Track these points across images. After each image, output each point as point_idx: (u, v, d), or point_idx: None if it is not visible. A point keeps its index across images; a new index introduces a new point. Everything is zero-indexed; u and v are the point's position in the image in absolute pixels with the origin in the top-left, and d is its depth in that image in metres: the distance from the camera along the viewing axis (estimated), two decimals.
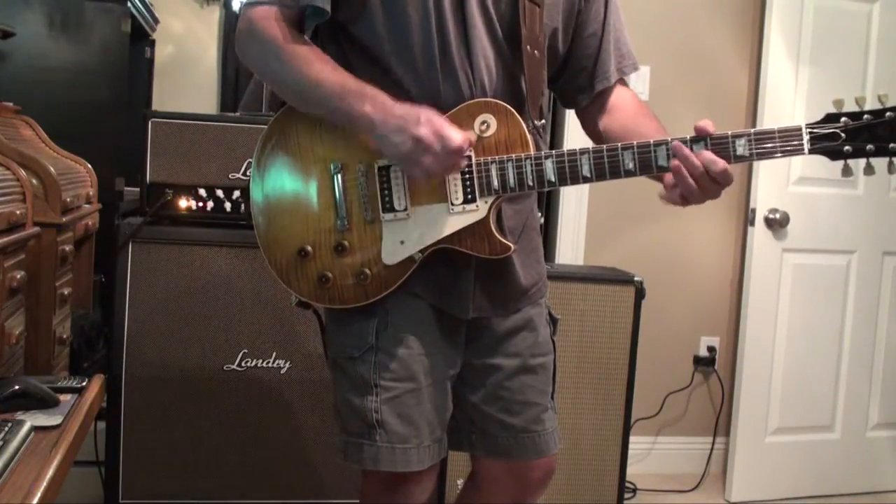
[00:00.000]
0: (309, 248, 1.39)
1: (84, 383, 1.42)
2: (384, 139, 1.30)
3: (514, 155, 1.34)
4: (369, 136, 1.32)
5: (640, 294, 2.52)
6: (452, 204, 1.35)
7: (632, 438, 2.62)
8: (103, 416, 2.13)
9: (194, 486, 2.26)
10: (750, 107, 3.18)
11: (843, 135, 1.28)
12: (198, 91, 4.05)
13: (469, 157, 1.34)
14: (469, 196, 1.35)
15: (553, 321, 1.58)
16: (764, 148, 1.28)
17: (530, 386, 1.52)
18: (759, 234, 2.97)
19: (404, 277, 1.38)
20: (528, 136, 1.35)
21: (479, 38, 1.38)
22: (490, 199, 1.35)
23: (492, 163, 1.34)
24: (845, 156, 1.29)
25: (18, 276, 1.71)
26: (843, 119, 1.29)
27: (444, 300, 1.43)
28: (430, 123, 1.27)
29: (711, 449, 3.24)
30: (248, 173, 2.26)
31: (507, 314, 1.49)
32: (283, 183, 1.41)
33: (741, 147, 1.29)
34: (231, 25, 4.07)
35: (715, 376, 3.25)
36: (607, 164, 1.32)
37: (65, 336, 2.15)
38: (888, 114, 1.27)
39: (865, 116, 1.28)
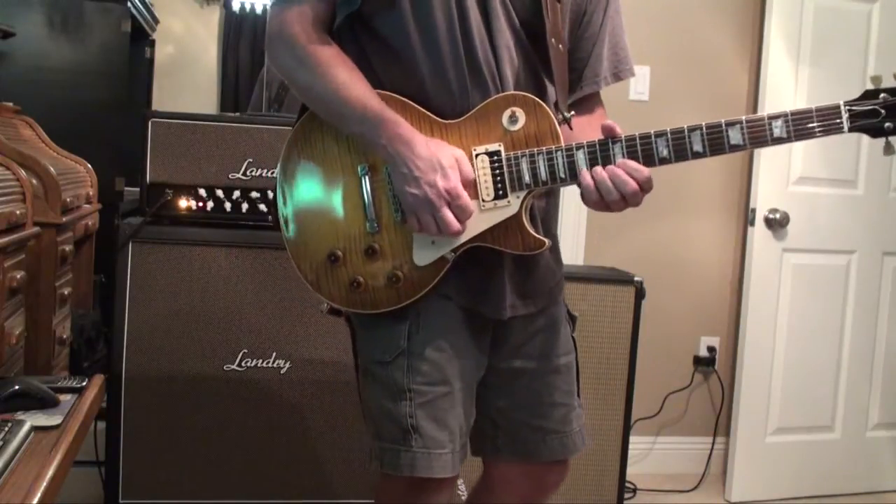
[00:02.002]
0: (339, 253, 1.37)
1: (84, 383, 1.42)
2: (396, 177, 1.31)
3: (544, 147, 1.32)
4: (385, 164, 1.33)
5: (640, 294, 2.52)
6: (483, 201, 1.32)
7: (632, 438, 2.62)
8: (103, 416, 2.13)
9: (194, 486, 2.25)
10: (750, 107, 3.18)
11: (882, 111, 1.24)
12: (198, 91, 4.06)
13: (499, 153, 1.32)
14: (500, 192, 1.32)
15: (572, 319, 1.56)
16: (802, 129, 1.25)
17: (557, 387, 1.50)
18: (759, 234, 2.97)
19: (437, 278, 1.35)
20: (558, 128, 1.33)
21: (503, 32, 1.36)
22: (522, 194, 1.32)
23: (522, 156, 1.32)
24: (886, 133, 1.24)
25: (18, 276, 1.71)
26: (881, 95, 1.24)
27: (479, 302, 1.40)
28: (446, 186, 1.27)
29: (711, 449, 3.24)
30: (248, 173, 2.26)
31: (535, 312, 1.47)
32: (309, 188, 1.39)
33: (778, 129, 1.25)
34: (231, 25, 4.08)
35: (715, 376, 3.25)
36: (641, 153, 1.29)
37: (65, 336, 2.16)
38: None
39: None
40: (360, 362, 1.45)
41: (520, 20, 1.38)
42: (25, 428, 1.14)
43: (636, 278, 2.53)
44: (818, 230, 3.03)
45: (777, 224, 2.95)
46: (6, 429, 1.12)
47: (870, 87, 1.25)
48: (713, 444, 3.24)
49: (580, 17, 1.48)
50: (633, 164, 1.28)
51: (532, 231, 1.34)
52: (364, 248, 1.36)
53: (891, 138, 1.25)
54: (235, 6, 4.08)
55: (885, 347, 3.15)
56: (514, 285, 1.42)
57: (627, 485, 2.79)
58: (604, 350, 2.51)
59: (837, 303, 3.09)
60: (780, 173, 2.97)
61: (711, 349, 3.24)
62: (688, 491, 3.09)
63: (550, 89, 1.41)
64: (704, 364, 3.24)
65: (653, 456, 3.22)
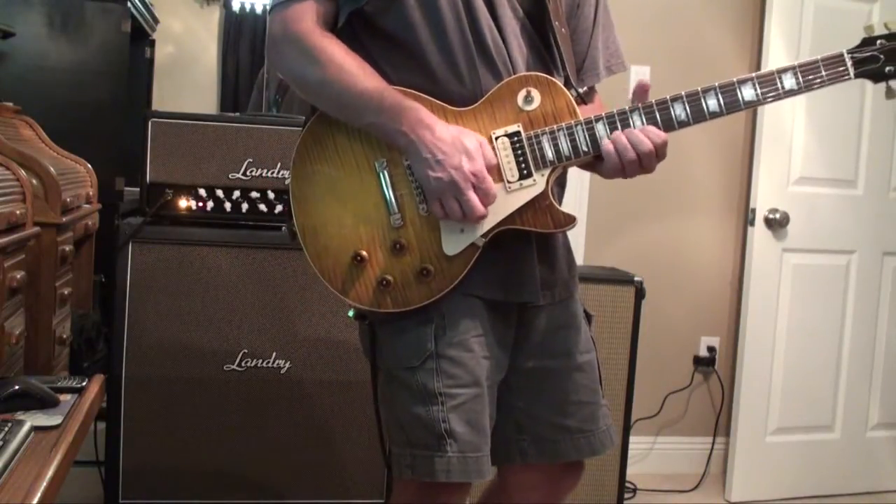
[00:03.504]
0: (364, 253, 1.33)
1: (84, 383, 1.42)
2: (417, 164, 1.29)
3: (564, 123, 1.33)
4: (405, 154, 1.31)
5: (640, 294, 2.52)
6: (508, 182, 1.32)
7: (632, 438, 2.62)
8: (103, 416, 2.13)
9: (194, 486, 2.26)
10: None
11: (882, 56, 1.30)
12: (198, 91, 4.06)
13: (519, 134, 1.33)
14: (524, 172, 1.32)
15: (588, 317, 1.55)
16: (811, 78, 1.31)
17: (582, 384, 1.49)
18: (759, 234, 2.97)
19: (468, 268, 1.33)
20: (575, 104, 1.34)
21: (508, 20, 1.37)
22: (546, 172, 1.33)
23: (542, 134, 1.33)
24: (887, 76, 1.31)
25: (18, 276, 1.71)
26: (879, 42, 1.31)
27: (511, 290, 1.39)
28: (472, 169, 1.26)
29: (711, 449, 3.23)
30: (248, 173, 2.26)
31: (555, 302, 1.46)
32: (325, 191, 1.36)
33: (789, 81, 1.32)
34: (231, 25, 4.08)
35: (715, 376, 3.25)
36: (660, 118, 1.31)
37: (65, 336, 2.15)
38: None
39: None
40: (383, 369, 1.41)
41: (523, 9, 1.39)
42: (25, 428, 1.14)
43: (636, 278, 2.53)
44: (818, 230, 3.03)
45: (777, 224, 2.95)
46: (6, 429, 1.12)
47: (865, 35, 1.32)
48: (713, 444, 3.24)
49: (574, 10, 1.49)
50: (653, 129, 1.31)
51: (560, 207, 1.35)
52: (390, 245, 1.34)
53: (891, 82, 1.32)
54: (235, 6, 4.08)
55: (885, 347, 3.15)
56: (541, 269, 1.42)
57: (627, 485, 2.79)
58: (604, 350, 2.50)
59: (837, 303, 3.09)
60: (780, 173, 2.97)
61: (711, 349, 3.24)
62: (688, 491, 3.09)
63: (557, 77, 1.41)
64: (704, 364, 3.23)
65: (653, 456, 3.22)
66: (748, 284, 3.01)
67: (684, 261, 3.21)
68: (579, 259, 3.10)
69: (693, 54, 3.15)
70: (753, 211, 2.97)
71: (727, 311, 3.26)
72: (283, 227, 1.45)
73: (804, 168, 2.99)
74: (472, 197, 1.27)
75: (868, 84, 1.32)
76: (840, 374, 3.11)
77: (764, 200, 2.96)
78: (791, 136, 2.98)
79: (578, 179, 3.00)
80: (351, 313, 1.42)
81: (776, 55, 2.92)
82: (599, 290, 2.50)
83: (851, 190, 3.07)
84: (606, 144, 1.31)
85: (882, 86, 1.34)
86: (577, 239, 3.10)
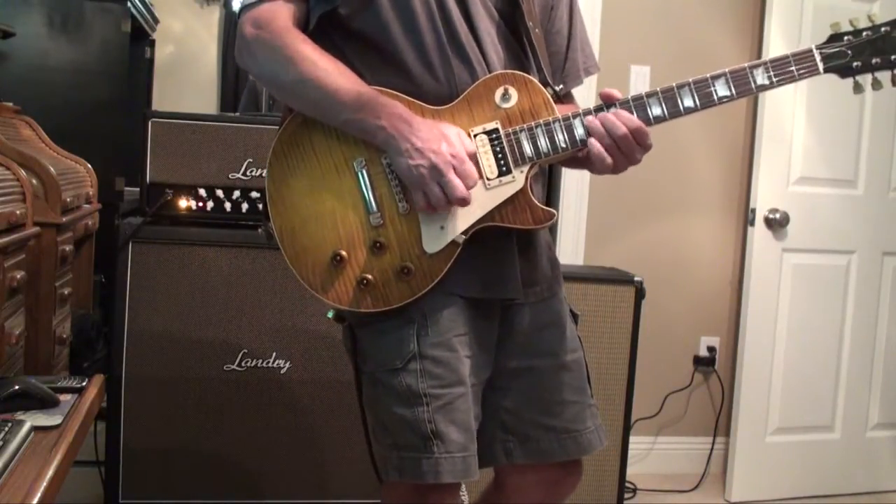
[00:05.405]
0: (343, 253, 1.33)
1: (84, 383, 1.42)
2: (397, 156, 1.29)
3: (542, 120, 1.33)
4: (384, 149, 1.31)
5: (640, 294, 2.52)
6: (488, 179, 1.32)
7: (632, 438, 2.62)
8: (103, 416, 2.13)
9: (194, 486, 2.26)
10: (749, 106, 3.18)
11: (849, 52, 1.34)
12: (198, 91, 4.06)
13: (497, 131, 1.33)
14: (503, 168, 1.33)
15: (574, 316, 1.55)
16: (782, 73, 1.35)
17: (567, 384, 1.48)
18: (759, 234, 2.97)
19: (448, 265, 1.33)
20: (552, 101, 1.34)
21: (482, 18, 1.37)
22: (525, 168, 1.33)
23: (521, 131, 1.33)
24: (854, 72, 1.34)
25: (18, 276, 1.71)
26: (846, 38, 1.35)
27: (493, 287, 1.39)
28: (451, 151, 1.27)
29: (711, 449, 3.24)
30: (248, 173, 2.26)
31: (538, 301, 1.46)
32: (302, 191, 1.35)
33: (760, 76, 1.36)
34: (231, 25, 4.07)
35: (715, 376, 3.25)
36: (636, 115, 1.32)
37: (65, 336, 2.16)
38: (883, 28, 1.34)
39: (865, 33, 1.34)
40: (365, 371, 1.40)
41: (496, 10, 1.40)
42: (25, 428, 1.14)
43: (636, 278, 2.53)
44: (818, 230, 3.03)
45: (777, 224, 2.95)
46: (6, 429, 1.12)
47: (832, 32, 1.37)
48: (713, 444, 3.24)
49: (547, 12, 1.50)
50: (624, 113, 1.32)
51: (539, 204, 1.35)
52: (369, 245, 1.33)
53: (858, 77, 1.35)
54: (235, 6, 4.08)
55: (885, 347, 3.15)
56: (522, 267, 1.42)
57: (627, 485, 2.79)
58: (604, 350, 2.51)
59: (837, 303, 3.09)
60: (780, 173, 2.97)
61: (711, 349, 3.24)
62: (688, 491, 3.10)
63: (533, 76, 1.42)
64: (704, 364, 3.24)
65: (653, 456, 3.22)
66: (748, 284, 3.01)
67: (684, 261, 3.21)
68: (579, 259, 3.10)
69: (693, 54, 3.15)
70: (753, 211, 2.97)
71: (727, 311, 3.26)
72: (260, 229, 1.44)
73: (804, 168, 2.99)
74: (454, 178, 1.27)
75: (868, 81, 1.34)
76: (840, 374, 3.11)
77: (764, 200, 2.96)
78: (791, 135, 2.98)
79: (578, 180, 3.00)
80: (330, 314, 1.41)
81: (776, 55, 2.91)
82: (599, 290, 2.50)
83: (851, 190, 3.07)
84: (591, 122, 1.32)
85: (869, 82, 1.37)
86: (577, 239, 3.10)
